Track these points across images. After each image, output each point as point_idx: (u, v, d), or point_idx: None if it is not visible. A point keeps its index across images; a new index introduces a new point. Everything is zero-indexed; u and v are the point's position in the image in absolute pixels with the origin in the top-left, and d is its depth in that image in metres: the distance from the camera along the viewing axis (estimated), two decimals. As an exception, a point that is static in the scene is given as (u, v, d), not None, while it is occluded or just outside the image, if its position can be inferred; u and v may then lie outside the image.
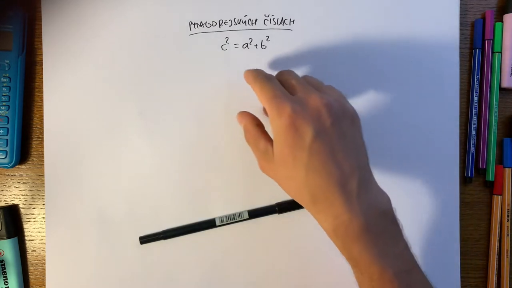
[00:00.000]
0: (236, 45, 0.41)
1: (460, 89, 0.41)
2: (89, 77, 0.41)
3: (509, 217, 0.41)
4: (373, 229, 0.29)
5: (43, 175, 0.41)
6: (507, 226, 0.40)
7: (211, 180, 0.40)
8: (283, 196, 0.40)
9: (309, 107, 0.30)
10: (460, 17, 0.40)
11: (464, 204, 0.41)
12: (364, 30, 0.40)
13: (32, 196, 0.42)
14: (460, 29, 0.41)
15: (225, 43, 0.41)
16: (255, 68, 0.35)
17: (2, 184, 0.42)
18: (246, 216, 0.40)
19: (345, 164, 0.30)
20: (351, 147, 0.31)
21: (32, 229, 0.42)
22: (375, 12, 0.40)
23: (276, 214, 0.40)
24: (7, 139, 0.40)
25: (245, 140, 0.35)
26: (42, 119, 0.41)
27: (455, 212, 0.40)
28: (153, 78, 0.41)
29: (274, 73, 0.40)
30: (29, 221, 0.42)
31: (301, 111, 0.30)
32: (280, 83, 0.33)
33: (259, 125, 0.35)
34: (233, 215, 0.40)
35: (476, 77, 0.41)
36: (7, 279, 0.41)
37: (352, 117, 0.32)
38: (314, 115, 0.30)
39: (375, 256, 0.29)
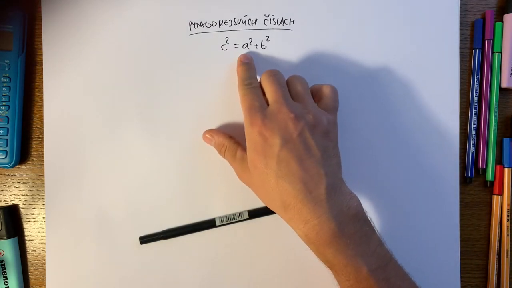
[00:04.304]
0: (236, 45, 0.41)
1: (460, 89, 0.41)
2: (89, 77, 0.41)
3: (509, 217, 0.41)
4: (345, 232, 0.31)
5: (43, 175, 0.41)
6: (507, 226, 0.40)
7: (211, 180, 0.40)
8: (283, 196, 0.40)
9: (278, 119, 0.33)
10: (460, 17, 0.40)
11: (464, 204, 0.41)
12: (364, 30, 0.40)
13: (32, 196, 0.42)
14: (460, 29, 0.41)
15: (225, 43, 0.41)
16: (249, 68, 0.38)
17: (2, 184, 0.42)
18: (246, 216, 0.40)
19: (313, 171, 0.32)
20: (320, 156, 0.32)
21: (32, 229, 0.42)
22: (375, 12, 0.40)
23: (276, 214, 0.40)
24: (7, 139, 0.40)
25: (221, 155, 0.38)
26: (42, 119, 0.41)
27: (455, 212, 0.40)
28: (153, 78, 0.41)
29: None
30: (29, 221, 0.42)
31: (269, 123, 0.33)
32: (288, 86, 0.36)
33: (231, 137, 0.38)
34: (233, 215, 0.40)
35: (476, 77, 0.41)
36: (7, 279, 0.41)
37: (325, 130, 0.34)
38: (282, 127, 0.32)
39: (349, 257, 0.30)
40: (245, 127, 0.34)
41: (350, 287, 0.31)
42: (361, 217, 0.32)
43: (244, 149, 0.37)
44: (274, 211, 0.35)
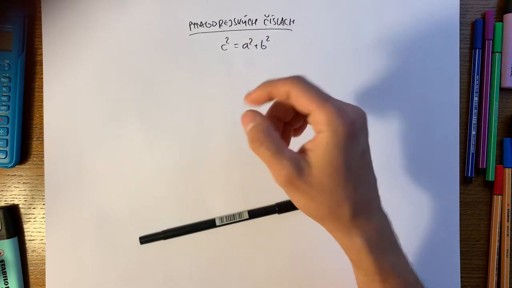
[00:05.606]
0: (236, 45, 0.41)
1: (460, 89, 0.41)
2: (89, 77, 0.41)
3: (509, 217, 0.41)
4: (396, 238, 0.30)
5: (43, 175, 0.41)
6: (507, 226, 0.40)
7: (211, 180, 0.40)
8: (283, 196, 0.40)
9: (361, 118, 0.29)
10: (460, 17, 0.40)
11: (464, 204, 0.41)
12: (364, 30, 0.40)
13: (32, 196, 0.42)
14: (460, 29, 0.41)
15: (225, 43, 0.41)
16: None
17: (2, 184, 0.42)
18: (246, 216, 0.40)
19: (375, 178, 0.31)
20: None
21: (32, 229, 0.42)
22: (375, 12, 0.40)
23: (276, 214, 0.40)
24: (7, 139, 0.40)
25: (253, 146, 0.29)
26: (42, 119, 0.41)
27: (455, 212, 0.40)
28: (153, 78, 0.41)
29: (274, 73, 0.40)
30: (29, 221, 0.42)
31: (359, 120, 0.29)
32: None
33: (276, 129, 0.30)
34: (233, 215, 0.40)
35: (476, 77, 0.41)
36: (7, 279, 0.41)
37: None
38: (364, 126, 0.30)
39: (402, 266, 0.30)
40: (329, 122, 0.27)
41: None
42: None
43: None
44: (332, 220, 0.29)
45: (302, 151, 0.29)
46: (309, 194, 0.28)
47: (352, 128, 0.27)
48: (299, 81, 0.29)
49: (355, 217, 0.29)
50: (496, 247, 0.41)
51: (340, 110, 0.27)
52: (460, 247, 0.40)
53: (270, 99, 0.30)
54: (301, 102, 0.28)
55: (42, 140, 0.41)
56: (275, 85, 0.29)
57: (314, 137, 0.28)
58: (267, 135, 0.28)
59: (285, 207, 0.40)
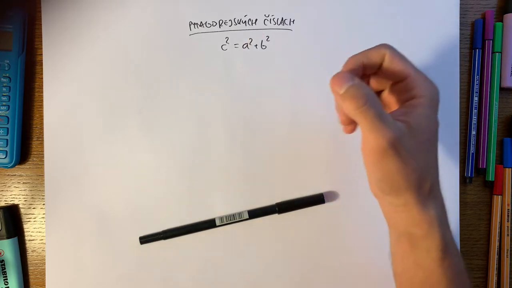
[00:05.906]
0: (236, 45, 0.41)
1: (460, 89, 0.41)
2: (89, 77, 0.41)
3: (509, 217, 0.41)
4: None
5: (43, 175, 0.41)
6: (507, 226, 0.40)
7: (211, 180, 0.40)
8: (283, 196, 0.40)
9: None
10: (460, 17, 0.40)
11: (464, 204, 0.41)
12: (364, 30, 0.40)
13: (32, 196, 0.42)
14: (460, 29, 0.41)
15: (225, 43, 0.41)
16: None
17: (2, 184, 0.42)
18: (246, 216, 0.40)
19: None
20: None
21: (32, 229, 0.42)
22: (375, 13, 0.40)
23: (276, 214, 0.40)
24: (7, 139, 0.40)
25: (355, 104, 0.26)
26: (42, 119, 0.41)
27: (455, 212, 0.40)
28: (153, 78, 0.41)
29: (274, 73, 0.41)
30: (29, 221, 0.42)
31: None
32: None
33: None
34: (233, 215, 0.40)
35: (476, 77, 0.41)
36: (7, 279, 0.41)
37: None
38: None
39: (455, 243, 0.30)
40: (425, 88, 0.28)
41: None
42: None
43: None
44: (412, 193, 0.28)
45: (395, 116, 0.28)
46: (404, 159, 0.27)
47: (439, 99, 0.28)
48: (392, 47, 0.29)
49: (432, 188, 0.29)
50: (496, 247, 0.41)
51: (430, 80, 0.29)
52: (460, 247, 0.40)
53: (362, 71, 0.30)
54: (399, 65, 0.29)
55: (42, 140, 0.41)
56: (367, 53, 0.29)
57: (409, 102, 0.29)
58: (370, 93, 0.26)
59: (285, 207, 0.40)
